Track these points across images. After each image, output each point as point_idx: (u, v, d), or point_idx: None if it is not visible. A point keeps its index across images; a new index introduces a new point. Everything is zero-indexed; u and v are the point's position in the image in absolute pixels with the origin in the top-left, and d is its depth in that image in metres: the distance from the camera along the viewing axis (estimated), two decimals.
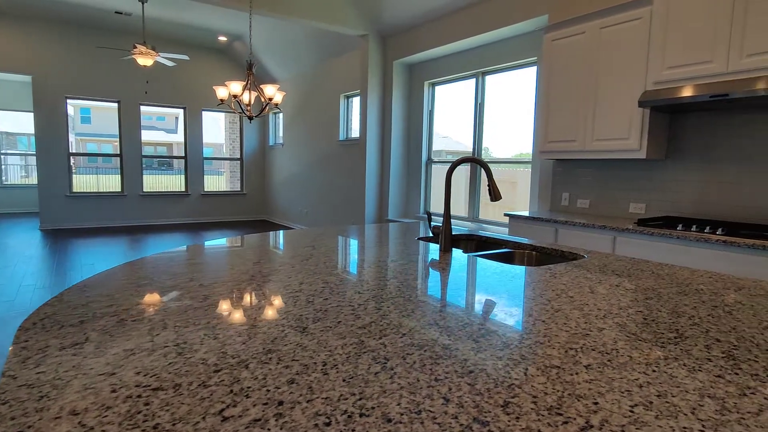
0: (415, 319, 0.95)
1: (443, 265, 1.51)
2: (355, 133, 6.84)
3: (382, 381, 0.68)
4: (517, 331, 0.90)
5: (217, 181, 12.19)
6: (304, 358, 0.75)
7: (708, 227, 2.55)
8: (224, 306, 1.02)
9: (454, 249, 1.84)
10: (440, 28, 4.95)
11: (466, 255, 1.68)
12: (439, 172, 5.62)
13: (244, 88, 4.16)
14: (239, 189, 9.76)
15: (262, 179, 9.87)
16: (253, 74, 4.32)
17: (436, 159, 5.64)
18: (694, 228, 2.55)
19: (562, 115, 3.44)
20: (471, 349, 0.80)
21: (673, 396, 0.66)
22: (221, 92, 4.22)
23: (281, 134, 9.11)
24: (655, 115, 2.99)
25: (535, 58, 4.29)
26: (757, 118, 2.73)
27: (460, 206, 5.21)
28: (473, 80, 5.02)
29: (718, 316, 1.04)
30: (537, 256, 1.91)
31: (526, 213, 3.50)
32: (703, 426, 0.58)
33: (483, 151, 4.95)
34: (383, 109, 5.87)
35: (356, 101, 6.82)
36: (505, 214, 3.57)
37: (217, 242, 1.87)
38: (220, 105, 4.17)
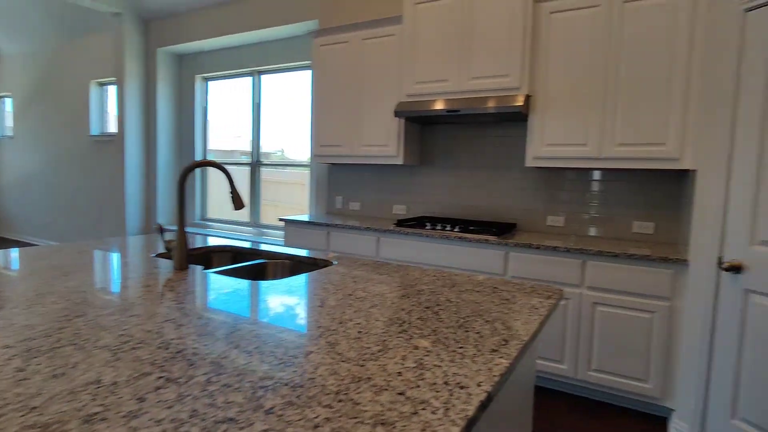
0: (68, 380, 0.71)
1: (167, 289, 1.27)
2: (113, 127, 5.82)
3: None
4: (207, 374, 0.75)
5: None
6: None
7: (449, 225, 2.91)
8: None
9: (199, 265, 1.61)
10: (209, 18, 4.56)
11: (204, 272, 1.48)
12: (221, 175, 5.19)
13: None
14: None
15: None
16: None
17: (217, 160, 5.20)
18: (438, 227, 2.89)
19: (332, 120, 3.52)
20: (124, 416, 0.62)
21: None
22: None
23: (10, 124, 7.16)
24: (409, 125, 3.30)
25: (310, 61, 4.32)
26: (486, 132, 3.25)
27: (241, 211, 4.91)
28: (250, 78, 4.79)
29: (427, 318, 1.09)
30: (291, 266, 1.83)
31: (299, 217, 3.46)
32: None
33: (279, 153, 4.76)
34: (147, 102, 5.12)
35: (114, 90, 5.80)
36: (280, 219, 3.46)
37: None
38: None
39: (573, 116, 2.62)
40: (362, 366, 0.80)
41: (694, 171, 2.26)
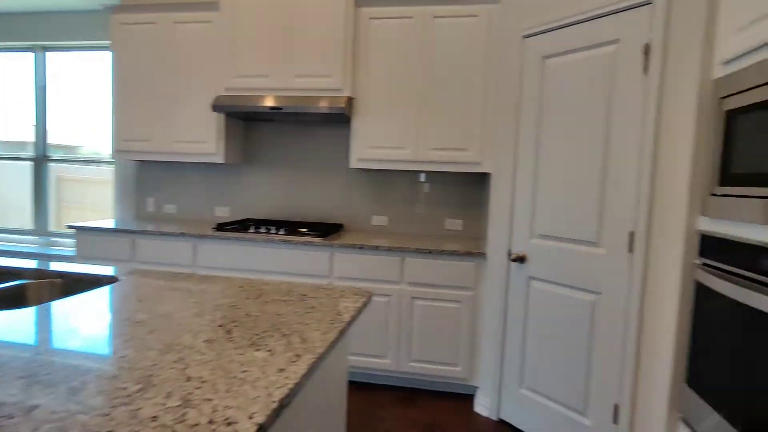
0: None
1: None
2: None
3: None
4: None
5: None
6: None
7: (274, 228, 2.79)
8: None
9: None
10: None
11: None
12: (7, 172, 4.10)
13: None
14: None
15: None
16: None
17: None
18: (263, 229, 2.74)
19: (138, 111, 3.06)
20: None
21: None
22: None
23: None
24: (231, 120, 3.06)
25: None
26: (312, 132, 3.20)
27: (23, 216, 3.98)
28: (32, 55, 3.91)
29: (215, 339, 0.96)
30: (63, 286, 1.50)
31: (95, 224, 2.93)
32: None
33: (84, 147, 3.94)
34: None
35: None
36: (69, 226, 2.89)
37: None
38: None
39: (393, 120, 2.74)
40: (106, 415, 0.65)
41: (490, 174, 2.56)
